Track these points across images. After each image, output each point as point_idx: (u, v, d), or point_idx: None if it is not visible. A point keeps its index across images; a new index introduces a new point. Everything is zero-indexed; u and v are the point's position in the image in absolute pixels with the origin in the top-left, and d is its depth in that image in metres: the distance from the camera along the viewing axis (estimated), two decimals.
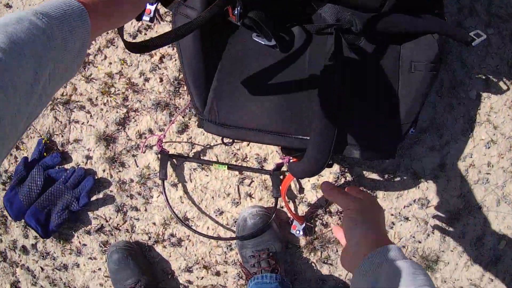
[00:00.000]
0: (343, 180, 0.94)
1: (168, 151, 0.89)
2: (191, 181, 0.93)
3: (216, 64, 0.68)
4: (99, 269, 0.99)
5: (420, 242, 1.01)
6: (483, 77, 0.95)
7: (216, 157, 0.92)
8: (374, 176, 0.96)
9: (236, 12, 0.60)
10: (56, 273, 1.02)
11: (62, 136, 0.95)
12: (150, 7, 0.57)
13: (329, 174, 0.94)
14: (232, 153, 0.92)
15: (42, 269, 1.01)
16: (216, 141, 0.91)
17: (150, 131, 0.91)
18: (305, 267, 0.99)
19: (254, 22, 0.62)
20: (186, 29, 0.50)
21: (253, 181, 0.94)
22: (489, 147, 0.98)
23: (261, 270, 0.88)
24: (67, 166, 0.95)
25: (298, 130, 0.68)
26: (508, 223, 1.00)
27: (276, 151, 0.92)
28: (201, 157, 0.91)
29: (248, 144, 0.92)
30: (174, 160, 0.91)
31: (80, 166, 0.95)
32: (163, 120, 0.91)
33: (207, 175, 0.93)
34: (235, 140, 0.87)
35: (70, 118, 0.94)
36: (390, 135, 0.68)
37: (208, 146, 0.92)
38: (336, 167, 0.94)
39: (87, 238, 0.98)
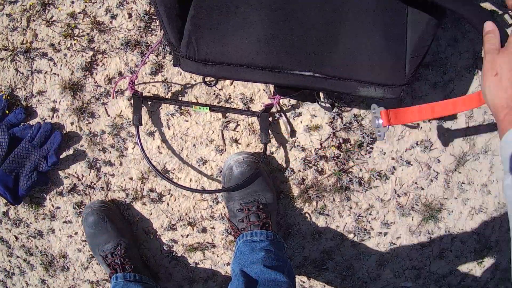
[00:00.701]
0: (339, 120, 0.86)
1: (142, 93, 0.80)
2: (169, 128, 0.84)
3: None
4: (76, 233, 0.91)
5: (423, 188, 0.93)
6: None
7: (196, 99, 0.83)
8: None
9: None
10: (32, 241, 0.93)
11: (25, 89, 0.85)
12: None
13: (323, 114, 0.85)
14: (214, 94, 0.83)
15: (16, 238, 0.93)
16: (195, 80, 0.82)
17: (121, 74, 0.82)
18: (299, 219, 0.91)
19: None
20: None
21: (239, 124, 0.85)
22: None
23: (250, 226, 0.80)
24: (32, 122, 0.86)
25: (295, 63, 0.60)
26: None
27: (264, 90, 0.83)
28: (180, 99, 0.82)
29: (232, 83, 0.83)
30: (149, 103, 0.82)
31: (47, 121, 0.86)
32: (134, 61, 0.82)
33: (187, 120, 0.84)
34: (219, 80, 0.79)
35: (32, 68, 0.84)
36: (399, 70, 0.61)
37: (186, 87, 0.83)
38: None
39: (60, 200, 0.89)
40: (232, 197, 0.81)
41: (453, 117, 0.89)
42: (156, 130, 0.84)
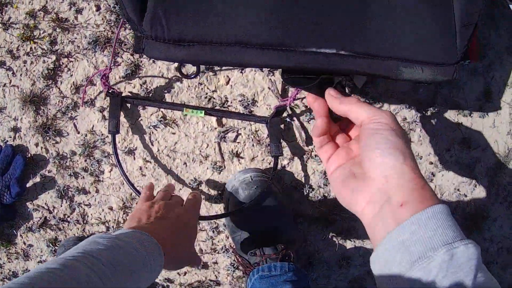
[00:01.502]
0: None
1: (120, 92, 0.64)
2: (152, 144, 0.68)
3: None
4: None
5: (466, 195, 0.76)
6: None
7: (183, 104, 0.66)
8: (405, 111, 0.70)
9: None
10: (6, 283, 0.78)
11: None
12: None
13: None
14: (206, 97, 0.66)
15: None
16: (182, 82, 0.66)
17: (90, 82, 0.67)
18: (322, 245, 0.73)
19: None
20: None
21: (240, 134, 0.67)
22: None
23: (265, 260, 0.62)
24: None
25: (312, 38, 0.43)
26: None
27: (269, 88, 0.65)
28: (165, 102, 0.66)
29: (228, 83, 0.66)
30: (128, 105, 0.66)
31: (8, 143, 0.71)
32: (105, 63, 0.66)
33: (174, 133, 0.67)
34: (202, 68, 0.62)
35: None
36: (449, 44, 0.47)
37: (170, 90, 0.66)
38: None
39: (31, 237, 0.74)
40: (240, 226, 0.64)
41: (496, 106, 0.73)
42: (136, 147, 0.68)
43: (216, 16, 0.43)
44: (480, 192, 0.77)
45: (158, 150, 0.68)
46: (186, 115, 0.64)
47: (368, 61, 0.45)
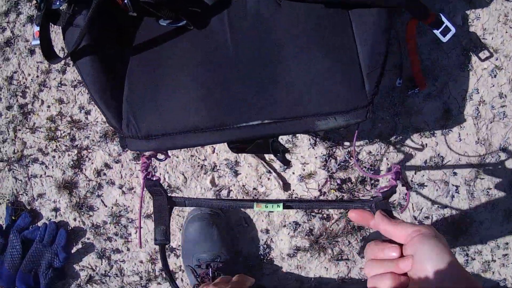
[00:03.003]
0: (333, 161, 0.82)
1: (165, 189, 0.55)
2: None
3: (123, 70, 0.58)
4: None
5: (446, 207, 0.86)
6: None
7: (183, 174, 0.82)
8: (370, 147, 0.83)
9: (125, 0, 0.50)
10: None
11: (26, 194, 0.89)
12: (36, 28, 0.52)
13: (315, 159, 0.81)
14: (199, 166, 0.81)
15: None
16: (178, 157, 0.81)
17: (107, 165, 0.83)
18: (319, 271, 0.88)
19: (151, 6, 0.52)
20: (80, 37, 0.47)
21: (231, 190, 0.83)
22: (495, 75, 0.82)
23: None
24: (39, 223, 0.89)
25: (240, 116, 0.54)
26: None
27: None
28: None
29: (214, 151, 0.81)
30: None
31: (51, 221, 0.88)
32: (117, 151, 0.83)
33: None
34: (170, 152, 0.74)
35: (28, 173, 0.88)
36: (358, 90, 0.54)
37: (171, 164, 0.82)
38: (321, 149, 0.82)
39: None
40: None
41: (459, 121, 0.82)
42: (152, 212, 0.84)
43: (168, 115, 0.55)
44: (459, 201, 0.85)
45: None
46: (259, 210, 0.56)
47: (287, 124, 0.54)
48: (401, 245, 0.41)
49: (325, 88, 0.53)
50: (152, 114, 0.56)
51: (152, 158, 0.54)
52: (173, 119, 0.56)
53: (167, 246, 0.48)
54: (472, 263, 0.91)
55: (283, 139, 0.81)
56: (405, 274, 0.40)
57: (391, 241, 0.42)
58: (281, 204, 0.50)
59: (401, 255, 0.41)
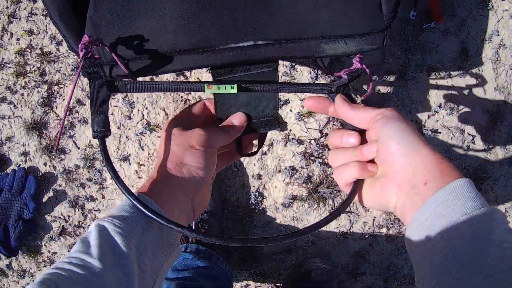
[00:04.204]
0: None
1: (106, 75, 0.45)
2: (143, 149, 0.77)
3: None
4: None
5: (459, 158, 0.78)
6: None
7: (163, 110, 0.75)
8: (380, 86, 0.76)
9: None
10: None
11: None
12: None
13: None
14: (182, 100, 0.74)
15: None
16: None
17: (79, 102, 0.76)
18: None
19: None
20: None
21: None
22: None
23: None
24: (8, 170, 0.82)
25: (227, 35, 0.46)
26: None
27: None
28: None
29: None
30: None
31: (21, 167, 0.81)
32: None
33: (159, 136, 0.76)
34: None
35: None
36: (374, 10, 0.46)
37: (150, 100, 0.75)
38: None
39: (54, 245, 0.85)
40: None
41: (477, 63, 0.74)
42: (129, 154, 0.77)
43: (139, 33, 0.47)
44: (474, 153, 0.78)
45: (149, 154, 0.77)
46: (213, 93, 0.46)
47: (286, 46, 0.46)
48: (364, 131, 0.39)
49: (335, 6, 0.46)
50: (122, 34, 0.48)
51: (98, 44, 0.45)
52: (147, 39, 0.47)
53: (107, 137, 0.42)
54: None
55: (279, 71, 0.74)
56: (372, 161, 0.37)
57: (356, 129, 0.39)
58: (235, 86, 0.45)
59: (365, 142, 0.38)
